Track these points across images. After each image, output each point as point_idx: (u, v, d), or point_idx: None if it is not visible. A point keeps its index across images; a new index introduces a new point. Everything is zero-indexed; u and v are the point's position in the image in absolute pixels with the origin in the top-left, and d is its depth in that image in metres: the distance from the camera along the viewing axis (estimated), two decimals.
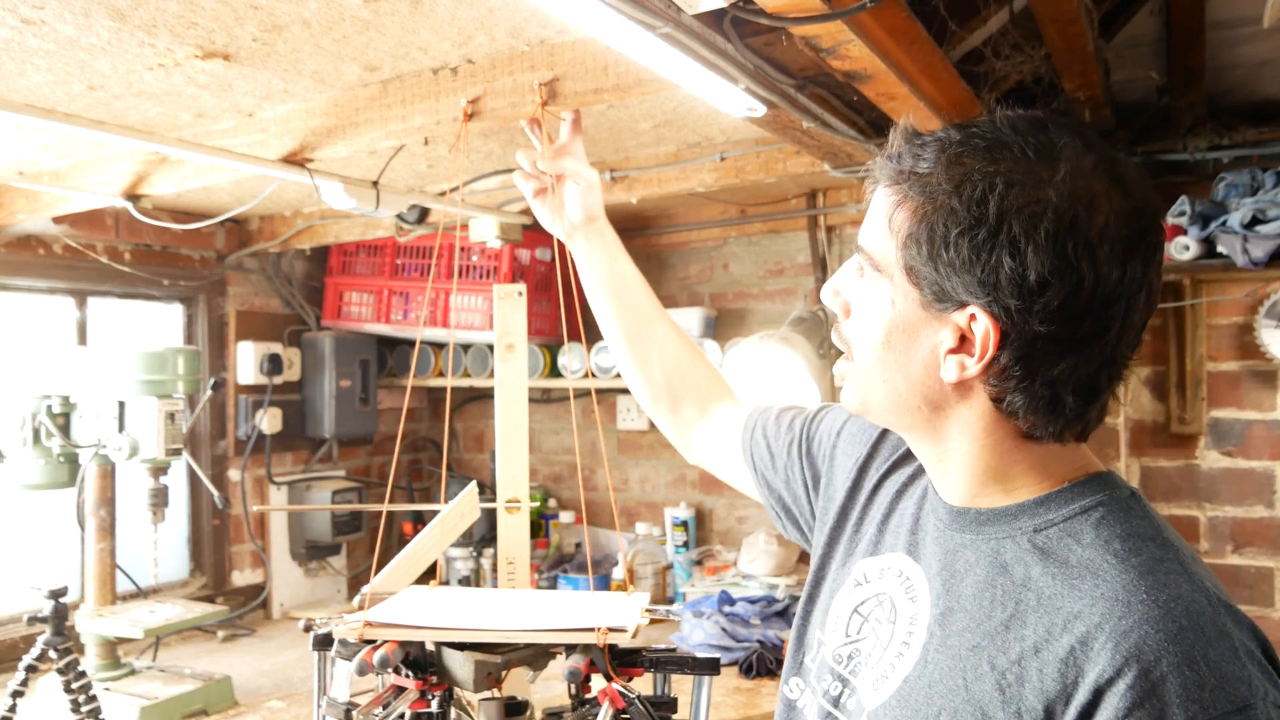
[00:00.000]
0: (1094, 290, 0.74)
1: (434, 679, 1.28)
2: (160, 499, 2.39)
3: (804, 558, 3.09)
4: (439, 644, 1.28)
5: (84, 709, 1.98)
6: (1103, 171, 0.75)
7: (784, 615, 2.67)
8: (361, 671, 1.24)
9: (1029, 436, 0.81)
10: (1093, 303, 0.74)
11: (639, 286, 1.36)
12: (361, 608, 1.34)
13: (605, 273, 1.35)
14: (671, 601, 3.15)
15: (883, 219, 0.82)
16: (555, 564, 3.31)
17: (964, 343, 0.79)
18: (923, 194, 0.78)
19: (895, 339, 0.82)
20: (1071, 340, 0.75)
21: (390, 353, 3.55)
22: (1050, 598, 0.76)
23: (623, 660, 1.30)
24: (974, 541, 0.84)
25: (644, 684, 1.34)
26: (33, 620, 1.99)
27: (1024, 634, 0.76)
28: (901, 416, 0.86)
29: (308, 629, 1.42)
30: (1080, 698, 0.71)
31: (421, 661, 1.28)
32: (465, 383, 3.43)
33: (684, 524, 3.23)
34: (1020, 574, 0.79)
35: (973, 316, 0.77)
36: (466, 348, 3.38)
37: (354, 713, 1.23)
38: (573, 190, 1.35)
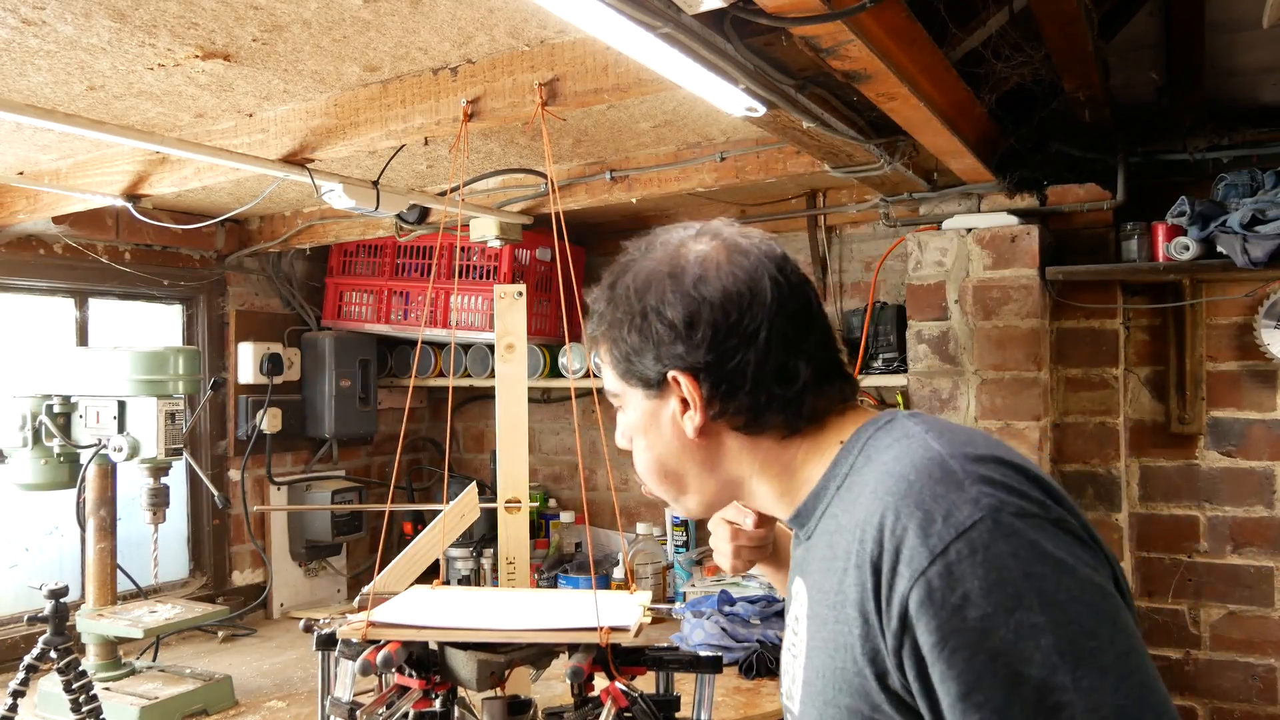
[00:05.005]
0: (726, 303, 0.91)
1: (437, 678, 1.28)
2: (160, 499, 2.39)
3: None
4: (442, 644, 1.28)
5: (84, 709, 1.98)
6: (690, 233, 0.97)
7: (783, 615, 2.67)
8: (365, 671, 1.24)
9: (787, 436, 0.95)
10: (731, 313, 0.91)
11: None
12: (363, 608, 1.34)
13: None
14: (672, 601, 3.15)
15: (599, 362, 1.03)
16: (555, 564, 3.31)
17: (686, 404, 0.94)
18: (603, 325, 0.99)
19: (651, 435, 0.98)
20: (739, 346, 0.91)
21: (390, 353, 3.55)
22: (845, 526, 0.85)
23: (625, 659, 1.31)
24: (815, 529, 0.94)
25: (646, 683, 1.34)
26: (33, 620, 1.99)
27: (837, 565, 0.85)
28: (704, 492, 1.00)
29: (308, 629, 1.42)
30: (869, 584, 0.78)
31: (425, 661, 1.28)
32: (465, 383, 3.43)
33: (684, 524, 3.23)
34: (834, 525, 0.89)
35: (674, 380, 0.93)
36: (466, 348, 3.37)
37: (358, 712, 1.23)
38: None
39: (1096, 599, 0.73)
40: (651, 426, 0.98)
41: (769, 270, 0.94)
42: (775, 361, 0.92)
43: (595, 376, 3.16)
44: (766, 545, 1.22)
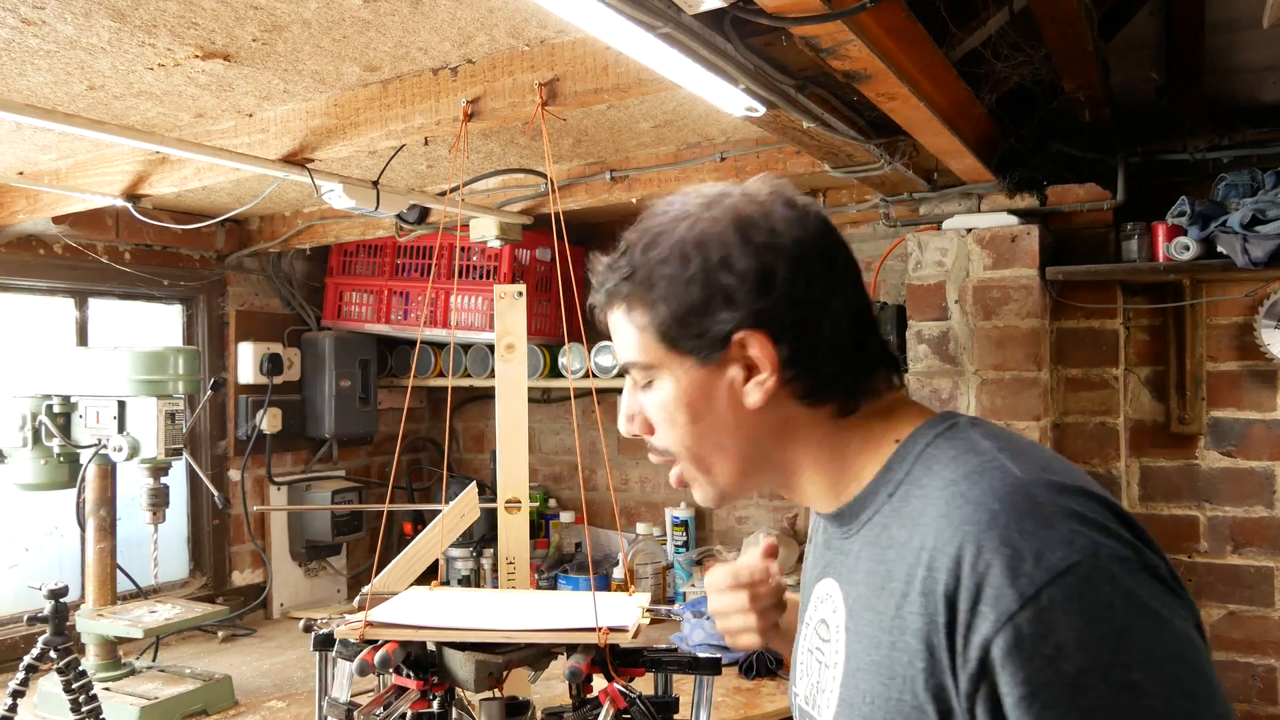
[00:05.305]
0: (802, 255, 0.85)
1: (435, 679, 1.28)
2: (160, 499, 2.39)
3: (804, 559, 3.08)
4: (440, 644, 1.28)
5: (84, 709, 1.98)
6: (751, 189, 0.89)
7: None
8: (363, 671, 1.24)
9: (843, 413, 0.88)
10: (809, 263, 0.85)
11: None
12: (362, 608, 1.34)
13: None
14: (671, 602, 3.15)
15: (626, 327, 0.90)
16: (555, 564, 3.31)
17: (751, 370, 0.86)
18: (641, 286, 0.88)
19: (698, 408, 0.88)
20: (817, 301, 0.85)
21: (390, 353, 3.55)
22: (904, 545, 0.80)
23: (624, 660, 1.30)
24: (856, 533, 0.88)
25: (645, 684, 1.34)
26: (33, 620, 1.99)
27: (894, 587, 0.79)
28: (751, 474, 0.92)
29: (308, 629, 1.42)
30: (941, 618, 0.73)
31: (423, 662, 1.28)
32: (465, 383, 3.43)
33: (684, 524, 3.23)
34: (886, 539, 0.83)
35: (742, 342, 0.85)
36: (466, 348, 3.37)
37: (355, 713, 1.23)
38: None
39: (1193, 655, 0.70)
40: (700, 402, 0.88)
41: (830, 231, 0.89)
42: (849, 323, 0.87)
43: (595, 376, 3.16)
44: (784, 601, 1.12)
